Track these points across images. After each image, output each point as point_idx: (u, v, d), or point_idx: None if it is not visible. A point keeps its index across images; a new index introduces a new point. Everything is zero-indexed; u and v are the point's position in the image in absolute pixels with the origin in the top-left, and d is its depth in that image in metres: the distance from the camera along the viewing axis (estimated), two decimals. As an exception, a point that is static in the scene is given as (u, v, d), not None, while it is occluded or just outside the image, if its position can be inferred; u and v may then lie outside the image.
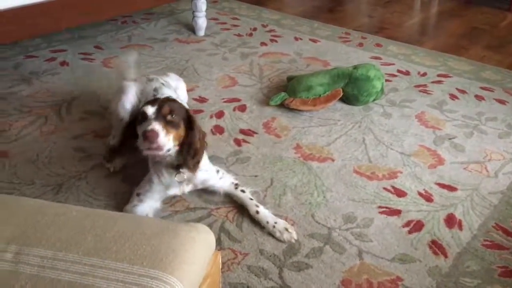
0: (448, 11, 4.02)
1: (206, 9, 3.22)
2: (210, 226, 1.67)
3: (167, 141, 1.50)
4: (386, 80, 2.60)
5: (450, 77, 2.81)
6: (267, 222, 1.67)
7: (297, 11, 3.88)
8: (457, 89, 2.67)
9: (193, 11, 3.20)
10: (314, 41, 3.25)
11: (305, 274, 1.51)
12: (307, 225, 1.71)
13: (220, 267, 1.21)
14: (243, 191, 1.78)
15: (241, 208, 1.77)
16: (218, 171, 1.80)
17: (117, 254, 0.94)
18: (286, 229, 1.64)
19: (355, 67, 2.48)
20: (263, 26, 3.48)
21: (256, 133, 2.22)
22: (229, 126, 2.27)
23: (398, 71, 2.86)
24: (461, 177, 1.98)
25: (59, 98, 2.45)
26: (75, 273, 0.91)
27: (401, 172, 1.99)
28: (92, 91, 2.51)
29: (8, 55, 2.87)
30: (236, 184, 1.81)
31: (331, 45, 3.21)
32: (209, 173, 1.76)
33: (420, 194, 1.88)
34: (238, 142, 2.15)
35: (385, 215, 1.76)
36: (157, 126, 1.48)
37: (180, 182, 1.68)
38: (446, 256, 1.60)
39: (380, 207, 1.80)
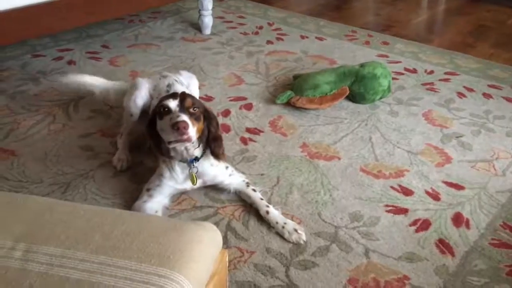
0: (455, 8, 3.99)
1: (212, 7, 3.22)
2: (216, 224, 1.67)
3: (194, 132, 1.54)
4: (393, 78, 2.59)
5: (457, 75, 2.79)
6: (277, 223, 1.67)
7: (303, 9, 3.88)
8: (464, 87, 2.66)
9: (199, 10, 3.21)
10: (320, 39, 3.25)
11: (311, 273, 1.52)
12: (314, 223, 1.71)
13: (227, 265, 1.21)
14: (254, 190, 1.79)
15: (247, 207, 1.77)
16: (227, 167, 1.80)
17: (125, 252, 0.95)
18: (296, 230, 1.64)
19: (362, 65, 2.47)
20: (269, 24, 3.47)
21: (262, 131, 2.22)
22: (235, 125, 2.27)
23: (405, 69, 2.85)
24: (468, 175, 1.97)
25: (67, 96, 2.46)
26: (83, 271, 0.91)
27: (408, 171, 1.98)
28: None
29: (16, 54, 2.89)
30: (248, 183, 1.81)
31: (338, 43, 3.20)
32: (218, 168, 1.76)
33: (427, 192, 1.87)
34: (244, 141, 2.15)
35: (392, 214, 1.76)
36: (185, 117, 1.51)
37: (188, 178, 1.70)
38: (453, 255, 1.60)
39: (387, 205, 1.80)
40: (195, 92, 2.15)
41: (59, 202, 1.14)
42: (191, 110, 1.55)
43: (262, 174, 1.95)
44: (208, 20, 3.23)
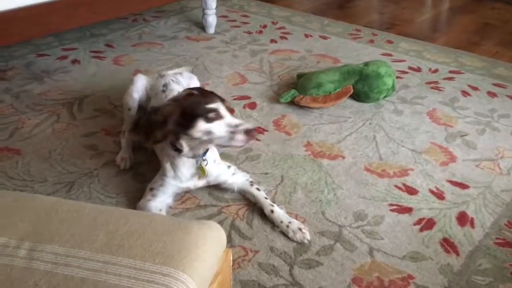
0: (459, 7, 3.98)
1: (216, 6, 3.22)
2: (220, 223, 1.67)
3: None
4: (397, 77, 2.59)
5: (462, 73, 2.78)
6: (281, 222, 1.67)
7: (307, 8, 3.87)
8: (469, 85, 2.65)
9: (203, 9, 3.21)
10: (324, 38, 3.24)
11: (315, 272, 1.51)
12: (318, 222, 1.71)
13: (231, 264, 1.21)
14: (258, 189, 1.78)
15: (251, 206, 1.77)
16: (229, 167, 1.80)
17: (129, 251, 0.95)
18: (300, 229, 1.63)
19: (366, 64, 2.47)
20: (273, 23, 3.47)
21: (266, 130, 2.22)
22: (239, 124, 2.27)
23: (409, 67, 2.84)
24: (473, 174, 1.96)
25: (71, 96, 2.47)
26: (88, 269, 0.92)
27: (413, 170, 1.98)
28: (103, 89, 2.52)
29: (20, 53, 2.90)
30: (251, 182, 1.81)
31: (342, 42, 3.19)
32: (221, 166, 1.77)
33: (431, 191, 1.86)
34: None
35: (396, 213, 1.75)
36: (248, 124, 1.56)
37: (195, 175, 1.70)
38: (458, 254, 1.59)
39: (391, 204, 1.79)
40: None
41: (64, 201, 1.14)
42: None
43: (266, 173, 1.94)
44: (211, 19, 3.23)
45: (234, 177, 1.80)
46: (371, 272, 1.52)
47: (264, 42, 3.15)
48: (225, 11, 3.67)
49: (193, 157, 1.67)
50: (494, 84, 2.66)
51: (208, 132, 1.55)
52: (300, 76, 2.59)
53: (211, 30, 3.27)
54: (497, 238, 1.66)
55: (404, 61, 2.92)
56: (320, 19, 3.59)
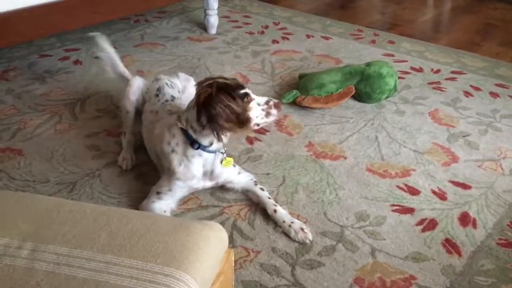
0: (461, 7, 3.97)
1: (218, 7, 3.22)
2: (222, 224, 1.67)
3: None
4: (399, 77, 2.58)
5: (464, 74, 2.78)
6: (284, 222, 1.67)
7: (308, 8, 3.87)
8: (471, 86, 2.64)
9: (205, 9, 3.21)
10: (326, 38, 3.24)
11: (317, 272, 1.51)
12: (320, 223, 1.70)
13: (233, 264, 1.21)
14: (261, 189, 1.78)
15: (253, 206, 1.77)
16: (234, 166, 1.80)
17: (131, 251, 0.95)
18: (302, 229, 1.63)
19: (368, 64, 2.46)
20: (275, 23, 3.47)
21: (268, 131, 2.22)
22: (241, 124, 2.27)
23: (411, 68, 2.84)
24: (475, 175, 1.96)
25: (73, 96, 2.47)
26: (90, 270, 0.92)
27: (415, 170, 1.97)
28: (105, 89, 2.53)
29: (23, 54, 2.90)
30: (255, 181, 1.81)
31: (343, 42, 3.19)
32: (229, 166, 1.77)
33: (433, 192, 1.86)
34: (250, 140, 2.15)
35: (398, 213, 1.75)
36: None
37: (205, 176, 1.71)
38: (460, 255, 1.59)
39: (393, 205, 1.79)
40: (192, 94, 2.15)
41: (66, 202, 1.14)
42: None
43: (267, 174, 1.94)
44: (213, 20, 3.23)
45: (239, 177, 1.80)
46: (373, 272, 1.52)
47: (266, 42, 3.15)
48: (227, 11, 3.67)
49: (216, 151, 1.67)
50: (496, 85, 2.66)
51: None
52: (302, 76, 2.58)
53: (213, 30, 3.27)
54: (499, 239, 1.65)
55: (406, 61, 2.92)
56: (321, 19, 3.59)
